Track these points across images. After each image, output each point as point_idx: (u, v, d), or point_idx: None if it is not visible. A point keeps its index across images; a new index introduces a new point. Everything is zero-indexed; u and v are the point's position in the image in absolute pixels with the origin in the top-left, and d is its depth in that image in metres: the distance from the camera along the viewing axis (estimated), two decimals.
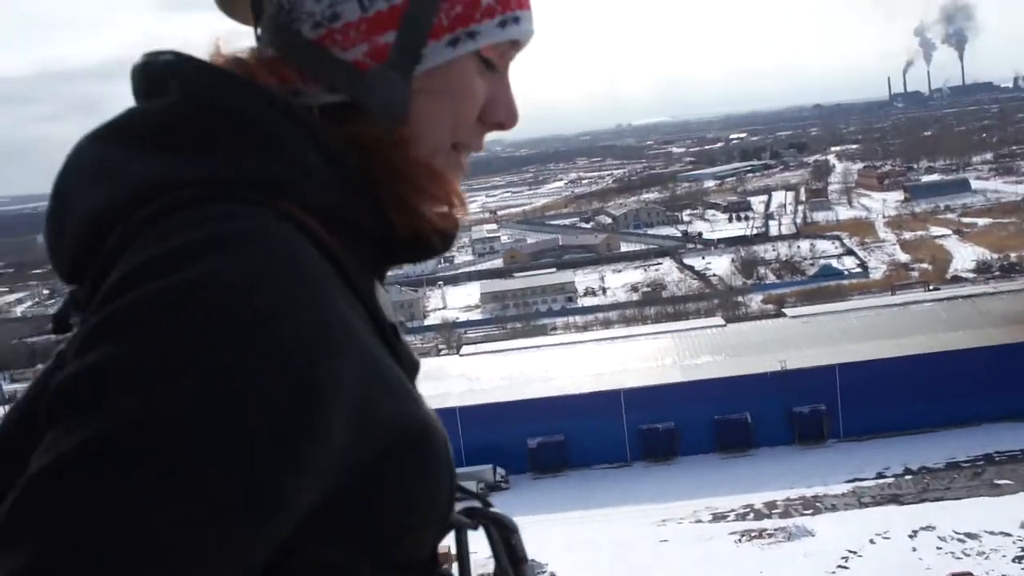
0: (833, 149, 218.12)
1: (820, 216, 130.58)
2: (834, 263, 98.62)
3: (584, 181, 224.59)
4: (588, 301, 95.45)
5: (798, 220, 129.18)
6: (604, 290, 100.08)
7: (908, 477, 38.61)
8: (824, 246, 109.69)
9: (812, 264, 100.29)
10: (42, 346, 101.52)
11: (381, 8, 1.00)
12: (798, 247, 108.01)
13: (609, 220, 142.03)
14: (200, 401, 0.76)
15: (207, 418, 0.75)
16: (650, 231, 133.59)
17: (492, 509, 1.12)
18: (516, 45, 1.08)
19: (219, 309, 0.79)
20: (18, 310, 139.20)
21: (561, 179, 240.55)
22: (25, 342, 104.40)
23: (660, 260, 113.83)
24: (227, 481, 0.75)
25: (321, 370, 0.81)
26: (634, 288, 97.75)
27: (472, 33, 1.02)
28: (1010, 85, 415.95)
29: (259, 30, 1.07)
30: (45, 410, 0.78)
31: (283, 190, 0.92)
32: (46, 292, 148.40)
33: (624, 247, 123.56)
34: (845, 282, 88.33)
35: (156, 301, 0.79)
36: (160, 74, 1.00)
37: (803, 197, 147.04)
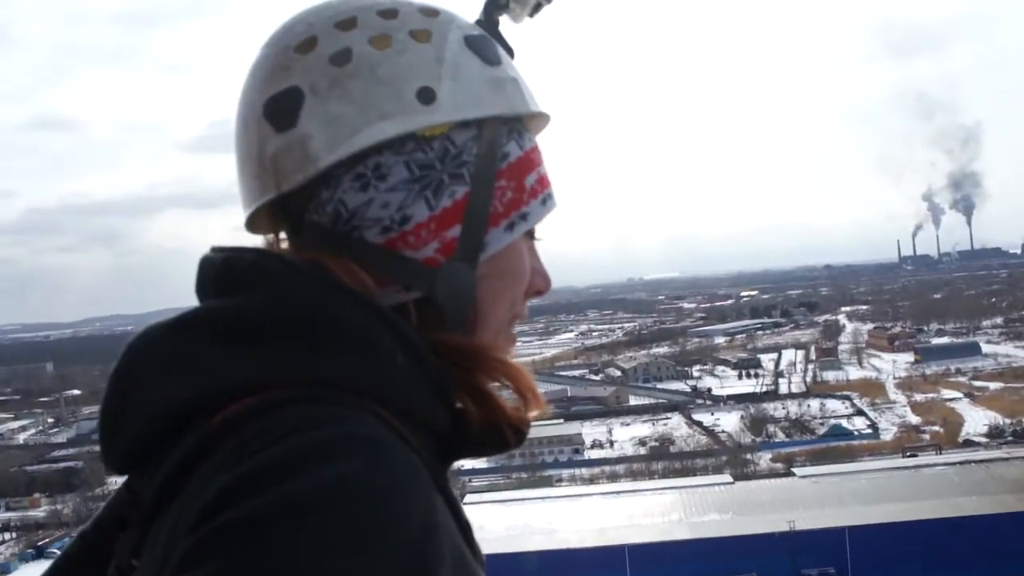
0: (843, 309, 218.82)
1: (830, 375, 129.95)
2: (844, 423, 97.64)
3: (595, 333, 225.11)
4: (595, 454, 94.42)
5: (808, 379, 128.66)
6: (612, 443, 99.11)
7: None
8: (834, 405, 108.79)
9: (822, 423, 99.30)
10: (42, 474, 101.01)
11: (446, 205, 1.04)
12: (808, 406, 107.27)
13: (619, 373, 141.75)
14: None
15: None
16: (659, 385, 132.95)
17: None
18: None
19: (358, 513, 0.78)
20: (21, 437, 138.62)
21: (572, 330, 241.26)
22: (25, 470, 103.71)
23: (669, 415, 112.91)
24: None
25: (428, 567, 0.81)
26: (642, 442, 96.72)
27: (524, 215, 1.09)
28: (1018, 251, 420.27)
29: (296, 237, 1.09)
30: None
31: (374, 392, 0.93)
32: (50, 420, 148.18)
33: (633, 400, 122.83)
34: (855, 442, 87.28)
35: (302, 503, 0.78)
36: (247, 272, 1.00)
37: (813, 356, 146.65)
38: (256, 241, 1.13)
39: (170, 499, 0.92)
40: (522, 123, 1.13)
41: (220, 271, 1.03)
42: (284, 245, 1.12)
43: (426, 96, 1.04)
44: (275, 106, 1.06)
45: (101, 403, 1.02)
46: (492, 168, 1.07)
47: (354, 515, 0.78)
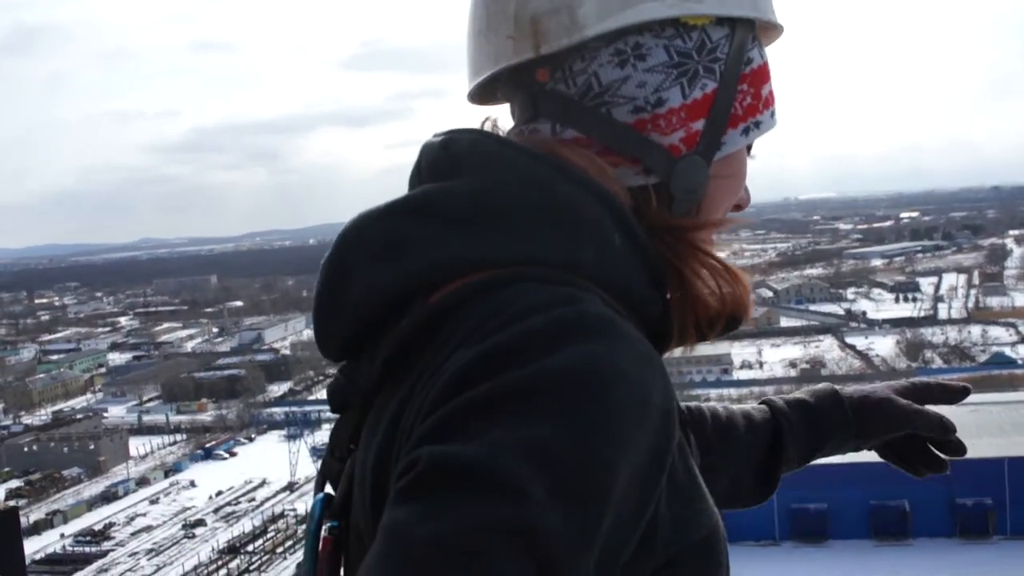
0: (1011, 232, 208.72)
1: (994, 301, 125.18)
2: (1007, 351, 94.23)
3: (747, 253, 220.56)
4: (744, 374, 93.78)
5: (970, 304, 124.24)
6: (761, 364, 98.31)
7: None
8: (997, 332, 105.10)
9: (983, 351, 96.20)
10: (208, 381, 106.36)
11: (697, 96, 1.04)
12: (968, 332, 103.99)
13: (770, 294, 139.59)
14: (611, 460, 0.78)
15: (616, 471, 0.78)
16: (812, 307, 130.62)
17: None
18: None
19: (609, 390, 0.80)
20: (189, 346, 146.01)
21: (723, 250, 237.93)
22: (193, 376, 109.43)
23: (821, 337, 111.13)
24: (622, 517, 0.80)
25: (668, 446, 0.85)
26: (792, 364, 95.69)
27: (758, 123, 1.09)
28: None
29: (531, 108, 1.07)
30: (417, 487, 0.76)
31: (590, 273, 0.93)
32: (215, 330, 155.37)
33: (784, 322, 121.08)
34: (1019, 371, 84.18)
35: (559, 378, 0.80)
36: (465, 153, 1.01)
37: (976, 281, 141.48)
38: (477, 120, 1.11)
39: (392, 379, 0.94)
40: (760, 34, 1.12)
41: (438, 154, 1.03)
42: (502, 123, 1.11)
43: None
44: None
45: (316, 292, 1.03)
46: (738, 70, 1.07)
47: (605, 393, 0.80)
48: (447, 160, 1.02)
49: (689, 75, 1.04)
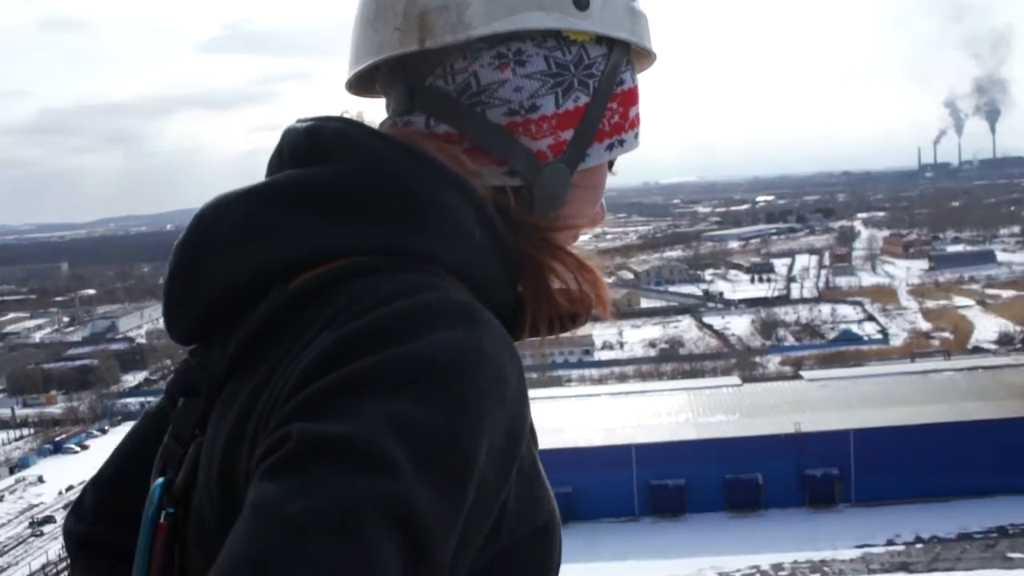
0: (860, 215, 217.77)
1: (843, 281, 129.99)
2: (854, 328, 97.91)
3: (609, 236, 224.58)
4: (605, 355, 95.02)
5: (820, 284, 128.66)
6: (622, 344, 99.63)
7: (919, 546, 37.87)
8: (845, 311, 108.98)
9: (832, 328, 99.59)
10: (58, 372, 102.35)
11: (569, 107, 1.08)
12: (819, 311, 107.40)
13: (631, 276, 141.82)
14: (474, 437, 0.80)
15: (476, 451, 0.81)
16: (671, 289, 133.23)
17: None
18: None
19: (471, 374, 0.83)
20: (37, 336, 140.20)
21: (585, 233, 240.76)
22: (41, 368, 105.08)
23: (680, 318, 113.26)
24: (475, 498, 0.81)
25: (523, 428, 0.90)
26: (652, 344, 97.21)
27: (622, 141, 1.14)
28: None
29: (407, 101, 1.10)
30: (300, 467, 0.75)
31: (448, 263, 0.96)
32: (66, 319, 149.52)
33: (645, 303, 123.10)
34: (865, 348, 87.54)
35: (424, 361, 0.82)
36: (330, 140, 1.01)
37: (827, 262, 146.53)
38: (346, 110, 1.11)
39: (246, 365, 0.94)
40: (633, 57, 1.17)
41: (301, 140, 1.03)
42: (368, 115, 1.11)
43: (581, 2, 1.08)
44: None
45: (167, 273, 1.02)
46: (610, 89, 1.11)
47: (469, 375, 0.82)
48: (311, 147, 1.02)
49: (564, 86, 1.07)
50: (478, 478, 0.80)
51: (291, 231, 0.95)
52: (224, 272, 0.97)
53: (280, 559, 0.69)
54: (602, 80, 1.10)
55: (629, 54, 1.14)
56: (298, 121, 1.07)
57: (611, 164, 1.17)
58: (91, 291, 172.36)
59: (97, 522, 1.18)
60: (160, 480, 1.01)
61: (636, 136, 1.16)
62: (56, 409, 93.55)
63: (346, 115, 1.08)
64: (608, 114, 1.11)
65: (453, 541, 0.78)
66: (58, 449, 79.43)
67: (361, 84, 1.18)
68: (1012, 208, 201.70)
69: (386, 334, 0.83)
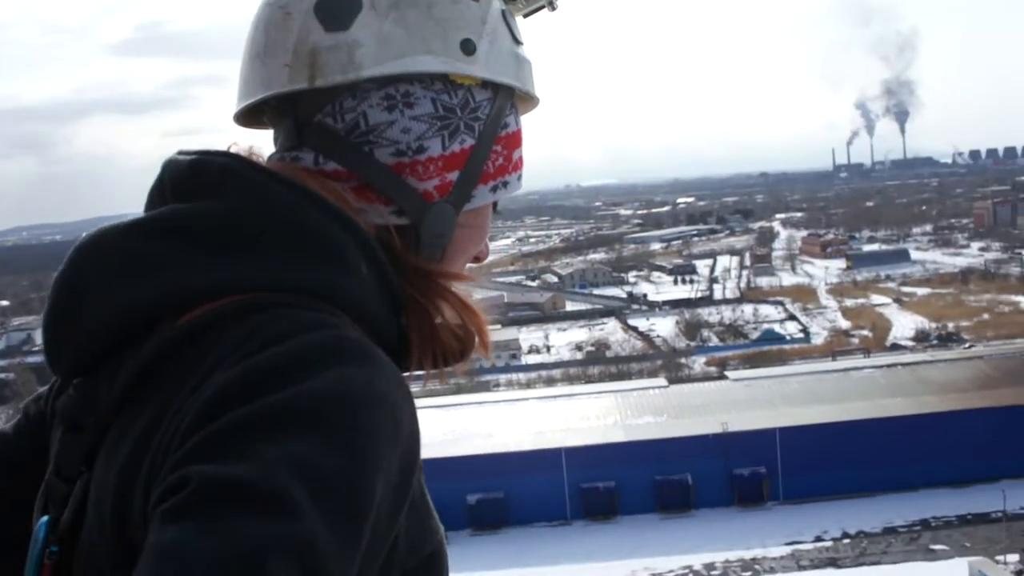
0: (778, 216, 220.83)
1: (764, 281, 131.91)
2: (777, 328, 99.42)
3: (531, 239, 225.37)
4: (532, 359, 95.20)
5: (742, 284, 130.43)
6: (548, 348, 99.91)
7: (846, 541, 38.60)
8: (767, 311, 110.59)
9: (755, 328, 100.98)
10: None
11: (455, 149, 1.10)
12: (742, 311, 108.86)
13: (555, 279, 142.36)
14: (366, 476, 0.81)
15: (371, 491, 0.81)
16: (596, 291, 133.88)
17: None
18: None
19: (365, 412, 0.84)
20: None
21: (509, 236, 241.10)
22: None
23: (605, 320, 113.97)
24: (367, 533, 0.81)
25: (415, 464, 0.92)
26: (578, 347, 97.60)
27: (505, 183, 1.17)
28: (949, 160, 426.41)
29: (295, 137, 1.11)
30: (194, 501, 0.74)
31: (335, 299, 0.96)
32: None
33: (570, 306, 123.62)
34: (787, 347, 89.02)
35: (318, 401, 0.82)
36: (215, 175, 1.01)
37: (748, 262, 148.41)
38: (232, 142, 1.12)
39: (135, 401, 0.93)
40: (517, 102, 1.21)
41: (185, 174, 1.02)
42: (258, 148, 1.12)
43: (468, 47, 1.10)
44: (329, 5, 1.08)
45: (47, 306, 1.01)
46: (495, 132, 1.14)
47: (364, 414, 0.83)
48: (195, 181, 1.01)
49: (451, 129, 1.10)
50: (373, 517, 0.81)
51: (178, 266, 0.94)
52: (108, 307, 0.95)
53: None
54: (487, 124, 1.13)
55: (513, 98, 1.18)
56: (180, 153, 1.06)
57: (495, 205, 1.20)
58: (5, 302, 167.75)
59: None
60: (44, 518, 0.98)
61: (519, 178, 1.19)
62: None
63: (234, 148, 1.08)
64: (493, 156, 1.14)
65: None
66: None
67: (250, 116, 1.18)
68: (924, 208, 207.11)
69: (281, 373, 0.83)
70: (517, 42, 1.19)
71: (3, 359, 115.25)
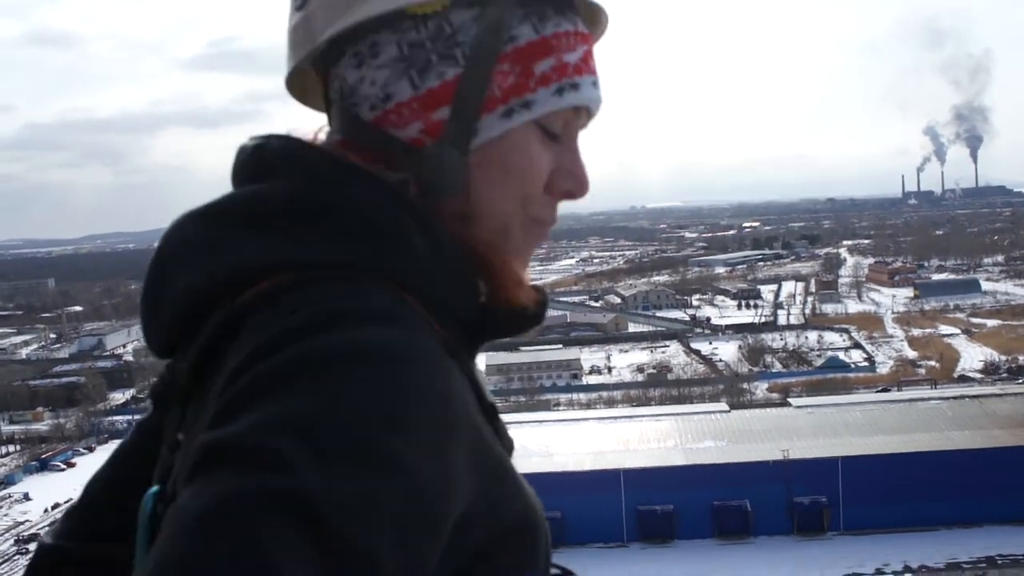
0: (845, 243, 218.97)
1: (829, 308, 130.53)
2: (841, 355, 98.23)
3: (596, 260, 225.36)
4: (593, 379, 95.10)
5: (807, 311, 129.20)
6: (610, 369, 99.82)
7: (908, 575, 38.11)
8: (832, 338, 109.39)
9: (819, 355, 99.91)
10: (44, 389, 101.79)
11: (432, 85, 1.01)
12: (806, 337, 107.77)
13: (618, 300, 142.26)
14: (389, 446, 0.79)
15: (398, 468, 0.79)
16: (659, 313, 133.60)
17: None
18: (581, 112, 1.08)
19: (368, 374, 0.82)
20: (23, 352, 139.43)
21: (573, 257, 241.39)
22: (27, 385, 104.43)
23: (667, 343, 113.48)
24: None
25: (450, 429, 0.86)
26: (640, 369, 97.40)
27: (527, 103, 1.03)
28: (1023, 190, 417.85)
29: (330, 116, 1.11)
30: (211, 461, 0.77)
31: (394, 276, 0.95)
32: (52, 336, 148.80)
33: (632, 328, 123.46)
34: (851, 375, 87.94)
35: (313, 361, 0.82)
36: (273, 157, 1.02)
37: (813, 288, 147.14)
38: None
39: (203, 377, 0.95)
40: (551, 6, 1.06)
41: (249, 159, 1.05)
42: (318, 134, 1.11)
43: None
44: None
45: (141, 291, 1.06)
46: (492, 50, 1.02)
47: (362, 371, 0.82)
48: (256, 164, 1.03)
49: (419, 65, 1.01)
50: (398, 475, 0.78)
51: (235, 246, 0.96)
52: (180, 287, 0.98)
53: (184, 561, 0.70)
54: (475, 45, 1.01)
55: (527, 6, 1.04)
56: (249, 139, 1.07)
57: (550, 131, 1.06)
58: (78, 308, 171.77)
59: (73, 537, 1.20)
60: (154, 488, 1.02)
61: (559, 91, 1.04)
62: (42, 426, 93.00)
63: (294, 132, 1.08)
64: (497, 78, 1.02)
65: (376, 537, 0.75)
66: (44, 466, 79.00)
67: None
68: (995, 237, 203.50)
69: (284, 339, 0.84)
70: None
71: (74, 363, 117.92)
